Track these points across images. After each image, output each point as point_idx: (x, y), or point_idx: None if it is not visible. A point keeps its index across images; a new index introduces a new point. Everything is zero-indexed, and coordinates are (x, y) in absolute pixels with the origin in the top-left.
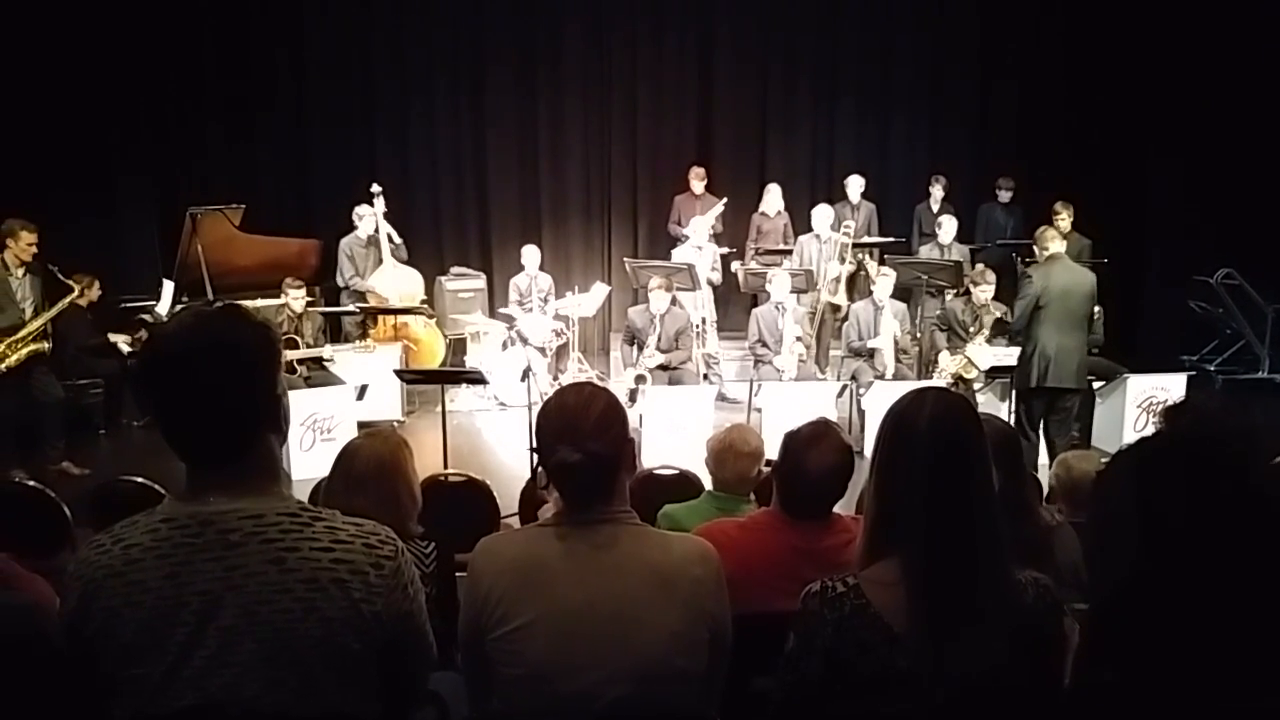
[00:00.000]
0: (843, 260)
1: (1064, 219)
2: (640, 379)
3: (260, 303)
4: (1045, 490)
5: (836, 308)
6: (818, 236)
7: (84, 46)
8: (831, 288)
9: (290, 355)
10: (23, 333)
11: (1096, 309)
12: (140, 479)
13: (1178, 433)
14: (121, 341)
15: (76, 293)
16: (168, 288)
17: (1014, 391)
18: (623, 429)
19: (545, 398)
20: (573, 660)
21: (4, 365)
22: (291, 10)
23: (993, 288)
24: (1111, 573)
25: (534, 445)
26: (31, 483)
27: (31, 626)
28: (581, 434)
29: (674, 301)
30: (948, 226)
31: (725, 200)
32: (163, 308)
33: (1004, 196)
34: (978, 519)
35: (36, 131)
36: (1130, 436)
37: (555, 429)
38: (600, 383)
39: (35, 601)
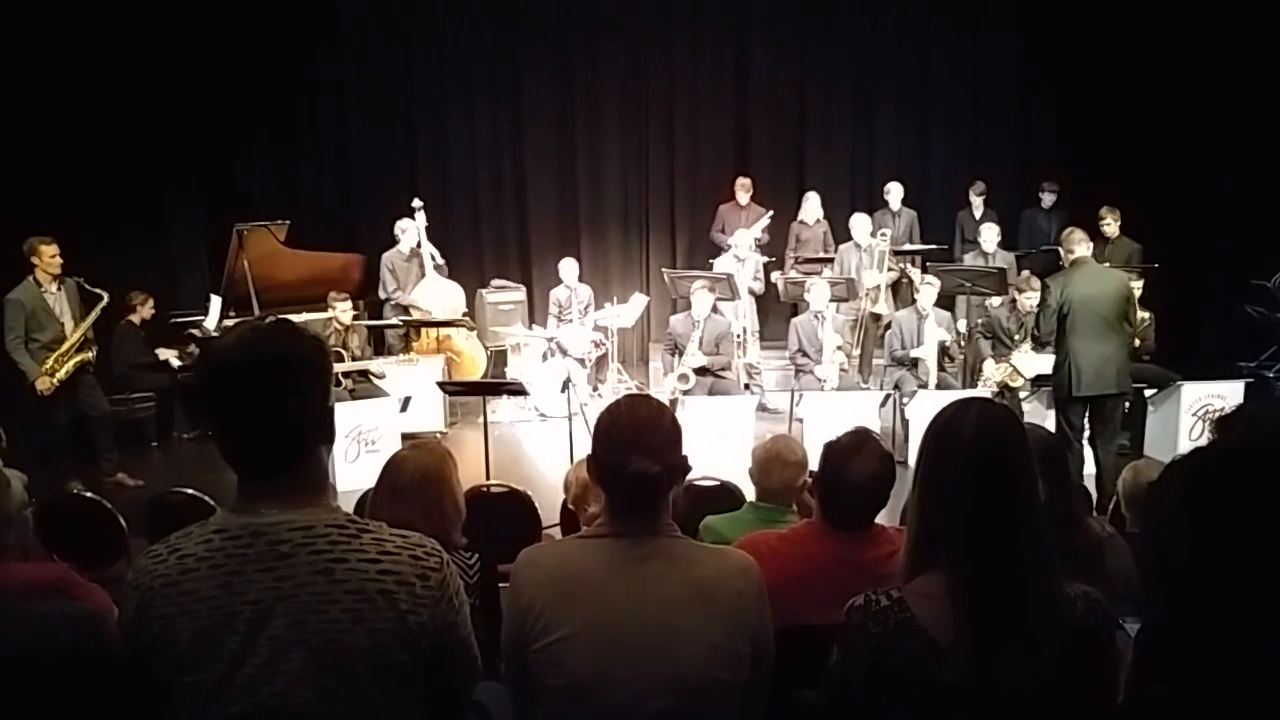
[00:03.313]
0: (882, 269)
1: (1109, 224)
2: (683, 378)
3: (306, 316)
4: (1095, 500)
5: (878, 317)
6: (857, 245)
7: (131, 68)
8: (873, 296)
9: (339, 368)
10: (66, 345)
11: (1146, 315)
12: (191, 490)
13: (1232, 443)
14: (171, 356)
15: (106, 300)
16: (215, 303)
17: (1054, 402)
18: (681, 445)
19: (585, 407)
20: (614, 672)
21: (56, 379)
22: (332, 29)
23: (1037, 294)
24: (1164, 586)
25: (594, 451)
26: (89, 494)
27: (92, 635)
28: (655, 446)
29: (715, 309)
30: (988, 234)
31: (771, 212)
32: (210, 322)
33: (1047, 201)
34: (1023, 531)
35: (87, 151)
36: (1185, 446)
37: (629, 438)
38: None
39: (95, 610)
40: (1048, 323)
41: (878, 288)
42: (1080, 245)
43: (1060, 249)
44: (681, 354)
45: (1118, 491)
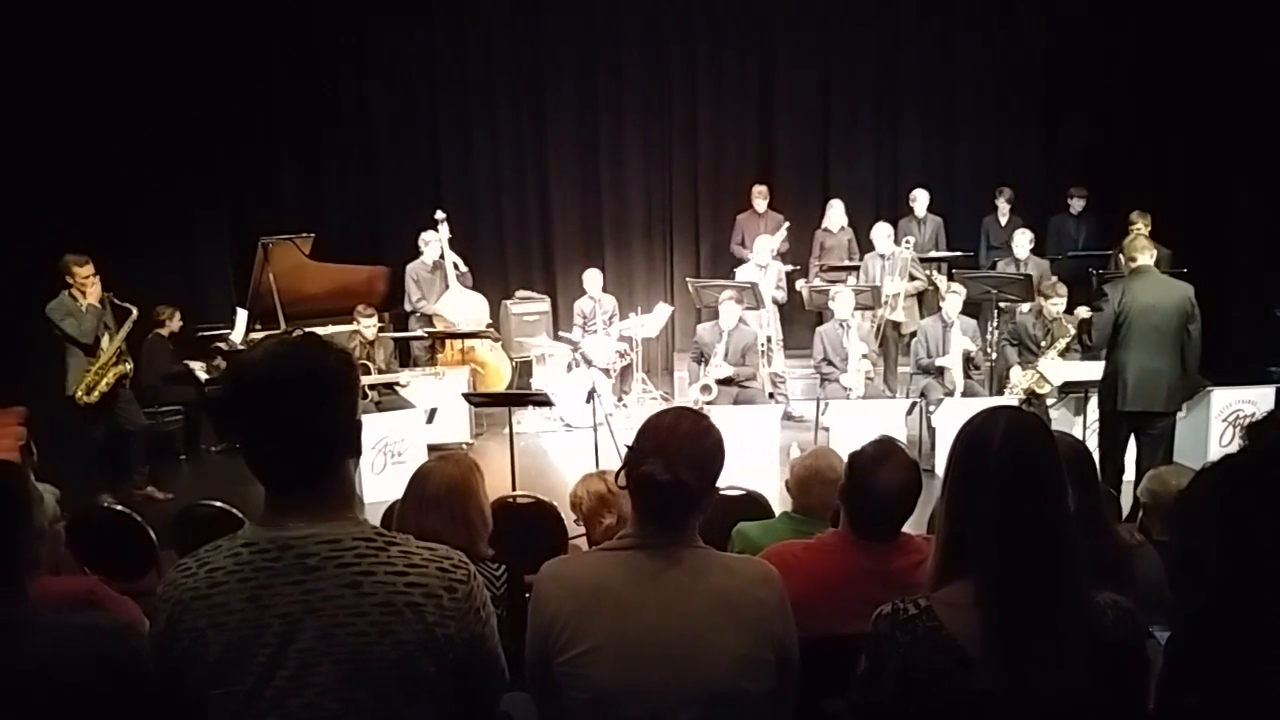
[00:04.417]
0: (903, 277)
1: (1140, 229)
2: (706, 389)
3: (331, 329)
4: (1125, 510)
5: (897, 325)
6: (881, 254)
7: (157, 85)
8: (892, 303)
9: (364, 381)
10: (103, 359)
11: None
12: (219, 503)
13: (1263, 448)
14: (198, 369)
15: (135, 314)
16: (241, 316)
17: (1099, 413)
18: (717, 473)
19: (610, 417)
20: (640, 684)
21: (96, 393)
22: (356, 42)
23: (1064, 300)
24: (1194, 594)
25: (630, 446)
26: (119, 508)
27: (124, 646)
28: (679, 459)
29: (741, 320)
30: (1020, 240)
31: (789, 224)
32: (237, 335)
33: (1076, 207)
34: (1052, 539)
35: (114, 167)
36: (1215, 452)
37: (657, 443)
38: (665, 403)
39: (126, 622)
40: (1102, 332)
41: (897, 295)
42: (1143, 253)
43: (1121, 255)
44: (707, 363)
45: (1142, 499)
